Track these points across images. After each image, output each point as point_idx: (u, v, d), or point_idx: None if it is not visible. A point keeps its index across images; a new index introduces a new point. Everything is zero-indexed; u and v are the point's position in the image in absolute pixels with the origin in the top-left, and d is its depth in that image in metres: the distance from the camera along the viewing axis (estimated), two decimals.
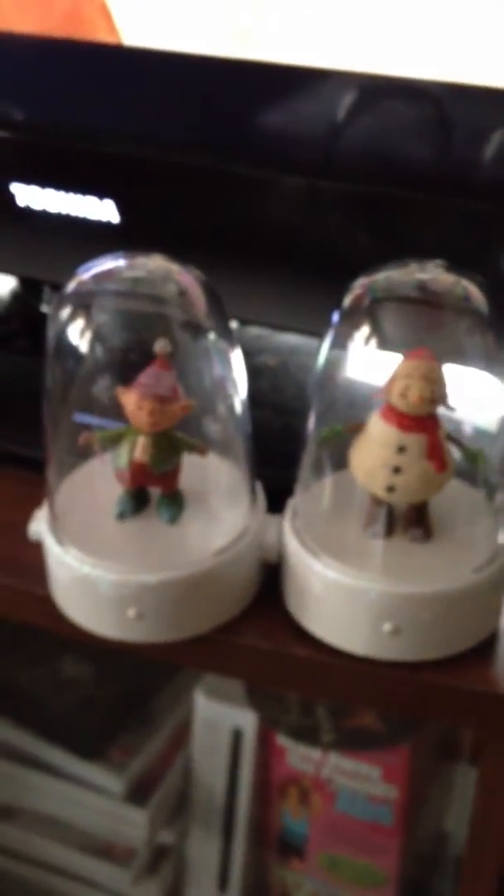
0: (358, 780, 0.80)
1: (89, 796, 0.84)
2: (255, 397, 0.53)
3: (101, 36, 0.60)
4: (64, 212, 0.64)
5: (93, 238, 0.65)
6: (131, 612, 0.50)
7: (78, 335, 0.49)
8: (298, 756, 0.81)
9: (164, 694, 0.86)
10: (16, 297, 0.75)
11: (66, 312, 0.49)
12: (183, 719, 0.85)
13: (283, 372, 0.68)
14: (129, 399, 0.48)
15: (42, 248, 0.68)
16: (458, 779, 0.84)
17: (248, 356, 0.53)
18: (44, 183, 0.64)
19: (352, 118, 0.54)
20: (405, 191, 0.55)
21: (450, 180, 0.53)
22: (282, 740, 0.81)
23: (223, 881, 0.88)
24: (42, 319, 0.74)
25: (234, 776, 0.83)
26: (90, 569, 0.49)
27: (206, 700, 0.81)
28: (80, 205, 0.64)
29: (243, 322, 0.67)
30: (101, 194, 0.63)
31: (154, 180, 0.61)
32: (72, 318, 0.49)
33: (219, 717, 0.81)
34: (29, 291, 0.75)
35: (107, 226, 0.63)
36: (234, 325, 0.54)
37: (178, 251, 0.52)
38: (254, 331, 0.70)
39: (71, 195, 0.64)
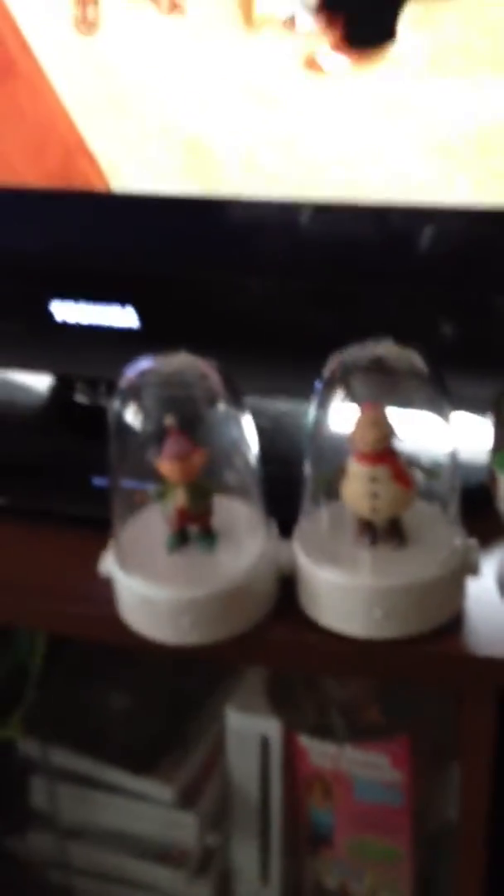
0: (370, 768, 0.92)
1: (144, 806, 0.98)
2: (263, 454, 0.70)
3: (93, 182, 0.79)
4: (94, 322, 0.82)
5: (117, 341, 0.82)
6: (184, 621, 0.66)
7: (130, 418, 0.66)
8: (319, 753, 0.93)
9: (200, 714, 1.00)
10: (53, 390, 0.92)
11: (119, 402, 0.66)
12: (218, 734, 0.98)
13: (278, 431, 0.84)
14: (163, 464, 0.65)
15: (76, 352, 0.85)
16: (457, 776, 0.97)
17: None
18: (76, 297, 0.82)
19: (318, 235, 0.72)
20: (363, 286, 0.73)
21: (396, 277, 0.71)
22: (304, 741, 0.95)
23: (265, 876, 1.00)
24: (76, 408, 0.91)
25: (265, 778, 0.95)
26: (152, 590, 0.66)
27: (236, 714, 0.93)
28: (106, 314, 0.81)
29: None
30: (123, 303, 0.80)
31: (167, 291, 0.79)
32: (124, 405, 0.66)
33: (248, 728, 0.94)
34: (64, 386, 0.92)
35: (129, 330, 0.81)
36: None
37: (189, 345, 0.69)
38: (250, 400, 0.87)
39: (98, 306, 0.81)
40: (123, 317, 0.81)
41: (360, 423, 0.63)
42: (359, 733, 0.93)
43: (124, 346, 0.81)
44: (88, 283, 0.83)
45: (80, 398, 0.90)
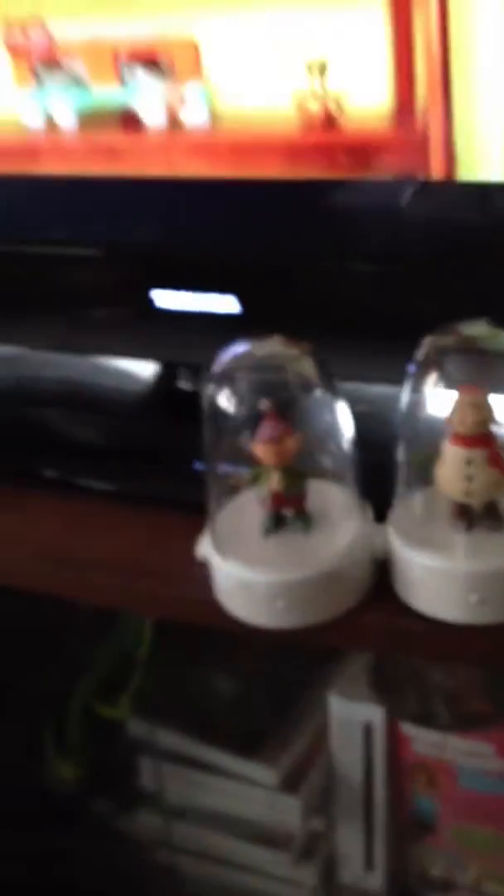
0: (475, 757, 0.93)
1: (249, 789, 1.00)
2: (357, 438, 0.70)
3: None
4: (195, 309, 0.83)
5: (218, 327, 0.83)
6: (279, 604, 0.66)
7: (224, 402, 0.66)
8: (422, 741, 0.95)
9: (304, 700, 1.02)
10: (156, 378, 0.94)
11: (214, 386, 0.67)
12: (322, 720, 0.99)
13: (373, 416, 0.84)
14: (258, 447, 0.66)
15: (179, 339, 0.87)
16: None
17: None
18: (179, 286, 0.83)
19: (411, 220, 0.72)
20: (459, 268, 0.72)
21: (488, 259, 0.70)
22: (407, 729, 0.96)
23: (369, 862, 1.01)
24: (179, 394, 0.92)
25: (369, 765, 0.96)
26: (248, 574, 0.66)
27: (339, 700, 0.95)
28: (208, 301, 0.83)
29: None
30: (225, 292, 0.82)
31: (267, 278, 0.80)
32: (219, 389, 0.67)
33: (351, 714, 0.95)
34: (168, 372, 0.93)
35: (229, 316, 0.82)
36: None
37: (288, 330, 0.69)
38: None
39: (200, 294, 0.83)
40: (225, 303, 0.82)
41: (459, 405, 0.63)
42: (463, 721, 0.93)
43: (226, 332, 0.82)
44: (191, 272, 0.85)
45: (183, 384, 0.92)
